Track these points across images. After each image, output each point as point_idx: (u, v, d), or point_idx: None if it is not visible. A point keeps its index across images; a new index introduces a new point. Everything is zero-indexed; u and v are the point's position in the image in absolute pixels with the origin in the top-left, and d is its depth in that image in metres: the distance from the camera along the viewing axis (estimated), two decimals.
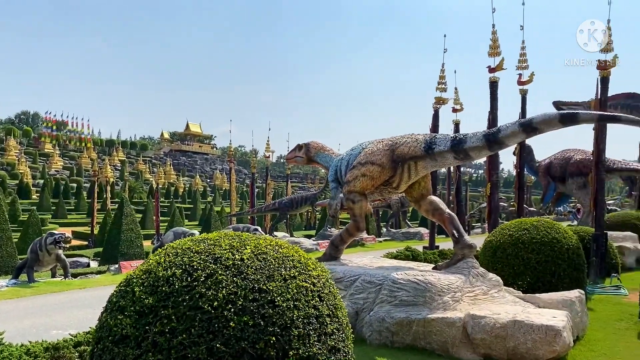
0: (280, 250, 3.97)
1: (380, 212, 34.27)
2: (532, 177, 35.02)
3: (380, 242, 27.32)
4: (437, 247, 15.33)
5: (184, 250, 3.79)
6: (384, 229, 32.04)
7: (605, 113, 7.03)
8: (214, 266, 3.60)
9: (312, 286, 3.83)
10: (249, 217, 30.53)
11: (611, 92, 13.89)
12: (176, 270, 3.58)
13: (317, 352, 3.58)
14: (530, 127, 6.85)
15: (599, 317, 8.81)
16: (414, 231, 29.52)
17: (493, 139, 7.14)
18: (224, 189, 77.42)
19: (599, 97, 13.06)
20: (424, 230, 27.12)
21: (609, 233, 13.63)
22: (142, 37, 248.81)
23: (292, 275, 3.77)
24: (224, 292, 3.44)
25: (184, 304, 3.40)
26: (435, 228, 17.24)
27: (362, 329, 7.13)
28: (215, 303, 3.39)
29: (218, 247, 3.80)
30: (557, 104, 22.88)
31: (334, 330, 3.82)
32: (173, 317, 3.37)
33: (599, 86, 13.07)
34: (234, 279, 3.55)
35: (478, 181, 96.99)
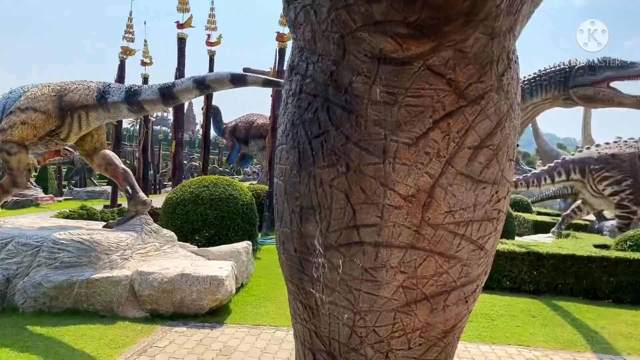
0: None
1: (64, 169, 31.07)
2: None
3: (60, 201, 24.72)
4: (120, 205, 14.69)
5: None
6: (66, 188, 29.18)
7: (270, 78, 7.71)
8: None
9: None
10: None
11: None
12: None
13: None
14: (203, 84, 7.00)
15: (264, 265, 9.79)
16: (100, 190, 27.65)
17: (168, 93, 7.05)
18: None
19: (276, 66, 14.35)
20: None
21: None
22: None
23: None
24: None
25: None
26: None
27: (15, 297, 6.29)
28: None
29: None
30: (246, 70, 24.31)
31: None
32: None
33: (277, 56, 14.34)
34: None
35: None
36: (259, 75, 7.76)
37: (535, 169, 17.81)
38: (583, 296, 8.69)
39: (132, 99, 7.09)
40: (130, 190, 7.73)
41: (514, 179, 14.11)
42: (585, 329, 6.99)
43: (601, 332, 6.88)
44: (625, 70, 17.12)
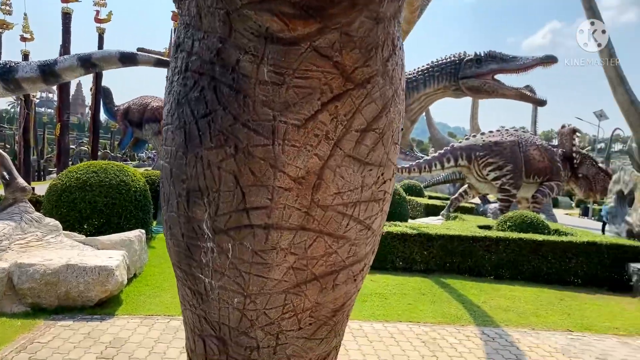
0: None
1: None
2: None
3: None
4: None
5: None
6: None
7: (162, 58, 7.37)
8: None
9: None
10: None
11: None
12: None
13: None
14: (89, 62, 6.56)
15: (159, 254, 9.46)
16: None
17: (49, 71, 6.52)
18: None
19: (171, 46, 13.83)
20: None
21: None
22: None
23: None
24: None
25: None
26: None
27: None
28: None
29: None
30: (140, 50, 23.14)
31: None
32: None
33: (173, 36, 13.78)
34: None
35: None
36: (151, 55, 7.43)
37: (428, 155, 18.81)
38: (468, 273, 9.35)
39: (8, 76, 6.47)
40: (7, 176, 7.09)
41: (408, 165, 14.78)
42: (469, 304, 7.52)
43: (483, 306, 7.44)
44: (508, 63, 18.48)
